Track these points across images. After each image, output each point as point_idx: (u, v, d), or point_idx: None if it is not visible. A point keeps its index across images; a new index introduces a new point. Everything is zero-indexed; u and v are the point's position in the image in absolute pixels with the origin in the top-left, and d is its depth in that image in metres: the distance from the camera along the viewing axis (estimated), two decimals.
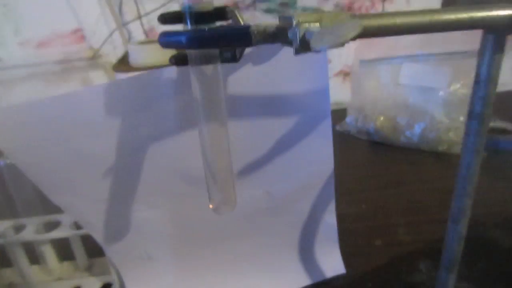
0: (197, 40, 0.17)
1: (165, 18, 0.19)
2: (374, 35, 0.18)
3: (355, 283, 0.37)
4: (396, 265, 0.38)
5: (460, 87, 0.54)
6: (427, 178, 0.53)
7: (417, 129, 0.58)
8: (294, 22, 0.16)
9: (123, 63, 0.31)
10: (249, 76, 0.26)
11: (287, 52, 0.26)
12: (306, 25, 0.16)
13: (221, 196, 0.22)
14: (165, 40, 0.18)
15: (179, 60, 0.21)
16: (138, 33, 0.76)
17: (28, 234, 0.37)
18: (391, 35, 0.18)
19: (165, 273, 0.35)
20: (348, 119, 0.68)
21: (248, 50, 0.24)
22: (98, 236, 0.32)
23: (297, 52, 0.16)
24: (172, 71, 0.24)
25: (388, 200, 0.49)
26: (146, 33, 0.74)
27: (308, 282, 0.37)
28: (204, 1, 0.18)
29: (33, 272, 0.40)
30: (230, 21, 0.20)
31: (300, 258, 0.37)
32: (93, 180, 0.28)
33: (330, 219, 0.36)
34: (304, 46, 0.16)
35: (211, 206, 0.23)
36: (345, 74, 0.89)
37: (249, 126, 0.28)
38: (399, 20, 0.18)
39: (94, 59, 0.79)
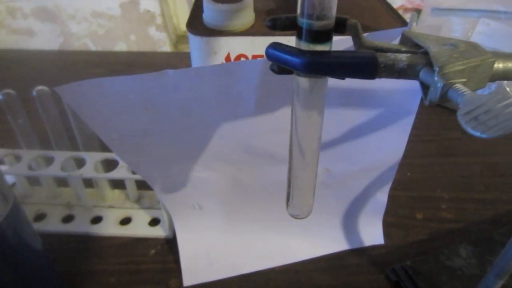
0: (314, 67, 0.15)
1: (275, 25, 0.17)
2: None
3: (392, 257, 0.37)
4: (436, 245, 0.39)
5: None
6: (482, 151, 0.51)
7: None
8: (437, 75, 0.14)
9: (197, 21, 0.28)
10: None
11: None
12: (451, 82, 0.13)
13: (300, 203, 0.22)
14: (274, 55, 0.16)
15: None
16: None
17: (88, 171, 0.38)
18: None
19: (213, 222, 0.37)
20: None
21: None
22: (155, 187, 0.33)
23: (431, 104, 0.14)
24: (259, 64, 0.22)
25: (436, 170, 0.48)
26: None
27: (345, 247, 0.38)
28: (327, 18, 0.15)
29: (88, 195, 0.42)
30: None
31: (342, 224, 0.38)
32: (164, 146, 0.28)
33: (382, 197, 0.36)
34: (442, 100, 0.14)
35: (287, 209, 0.23)
36: (405, 9, 0.81)
37: (327, 111, 0.27)
38: None
39: None
